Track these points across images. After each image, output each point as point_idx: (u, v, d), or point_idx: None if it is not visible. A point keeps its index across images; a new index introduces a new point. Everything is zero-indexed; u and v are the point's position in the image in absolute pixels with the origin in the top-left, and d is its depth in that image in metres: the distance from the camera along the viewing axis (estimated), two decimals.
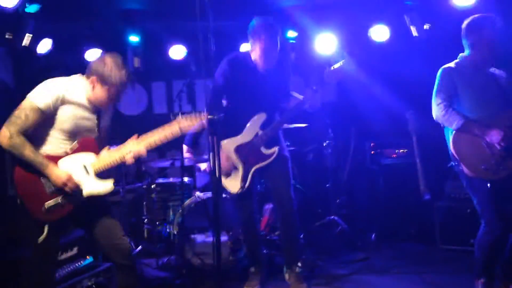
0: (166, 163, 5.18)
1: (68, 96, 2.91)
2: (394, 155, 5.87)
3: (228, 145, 3.95)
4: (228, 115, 3.93)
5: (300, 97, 3.98)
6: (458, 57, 3.63)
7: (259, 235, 4.23)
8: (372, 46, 6.23)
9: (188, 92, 4.73)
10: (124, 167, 5.08)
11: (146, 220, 5.12)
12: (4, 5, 4.23)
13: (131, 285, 3.09)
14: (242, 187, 3.89)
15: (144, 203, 5.20)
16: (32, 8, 4.70)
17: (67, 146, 2.96)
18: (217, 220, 2.82)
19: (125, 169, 5.27)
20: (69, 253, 3.89)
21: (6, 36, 4.76)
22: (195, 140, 5.42)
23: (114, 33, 5.99)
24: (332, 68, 3.81)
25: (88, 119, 3.03)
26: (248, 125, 3.92)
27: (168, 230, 4.92)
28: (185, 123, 3.09)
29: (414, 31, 5.66)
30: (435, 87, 3.57)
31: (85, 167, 2.98)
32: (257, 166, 3.92)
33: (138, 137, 3.10)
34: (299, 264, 4.01)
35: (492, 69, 3.58)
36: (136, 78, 6.82)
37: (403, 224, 5.52)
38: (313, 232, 5.60)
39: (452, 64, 3.59)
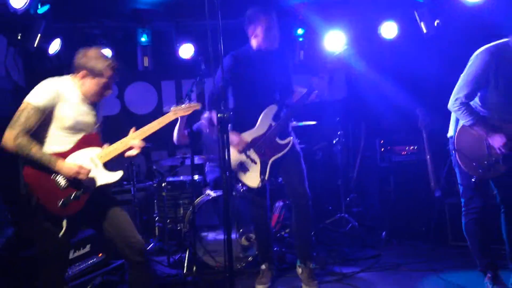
0: (177, 162, 5.21)
1: (64, 92, 2.96)
2: (404, 152, 5.85)
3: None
4: (236, 111, 3.97)
5: (304, 90, 4.02)
6: (510, 37, 3.41)
7: (271, 233, 4.25)
8: (381, 43, 6.22)
9: (198, 90, 4.74)
10: (134, 165, 5.13)
11: (157, 218, 5.16)
12: (15, 6, 4.26)
13: (144, 283, 3.10)
14: (262, 180, 3.90)
15: (155, 201, 5.23)
16: (42, 9, 4.74)
17: (71, 143, 2.99)
18: (227, 218, 2.83)
19: (136, 168, 5.31)
20: (82, 251, 3.93)
21: (18, 37, 4.80)
22: (198, 135, 5.45)
23: (124, 32, 6.03)
24: (334, 55, 3.89)
25: (87, 113, 3.07)
26: (260, 118, 3.96)
27: (179, 227, 4.95)
28: (180, 112, 3.31)
29: (423, 28, 5.64)
30: (467, 72, 3.48)
31: (92, 159, 3.02)
32: (275, 157, 3.94)
33: (136, 129, 3.17)
34: (312, 260, 4.04)
35: None
36: (145, 77, 6.88)
37: (414, 221, 5.50)
38: (323, 230, 5.61)
39: (491, 45, 3.44)
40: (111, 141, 3.18)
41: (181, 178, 5.34)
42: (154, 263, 4.71)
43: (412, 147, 5.84)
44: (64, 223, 2.90)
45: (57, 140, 2.96)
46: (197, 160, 4.99)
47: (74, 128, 2.99)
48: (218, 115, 2.82)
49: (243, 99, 3.99)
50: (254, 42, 4.01)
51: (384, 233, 5.41)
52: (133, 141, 3.11)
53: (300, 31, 6.28)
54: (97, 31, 5.79)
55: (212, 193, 4.64)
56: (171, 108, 3.31)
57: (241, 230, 4.49)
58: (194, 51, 6.10)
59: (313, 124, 5.27)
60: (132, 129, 3.17)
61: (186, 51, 6.09)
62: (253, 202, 4.12)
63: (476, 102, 3.52)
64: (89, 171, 2.94)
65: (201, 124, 5.45)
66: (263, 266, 4.13)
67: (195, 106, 3.39)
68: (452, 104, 3.51)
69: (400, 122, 6.17)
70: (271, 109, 3.97)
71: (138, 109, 6.94)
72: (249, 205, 4.20)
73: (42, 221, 2.91)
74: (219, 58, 2.85)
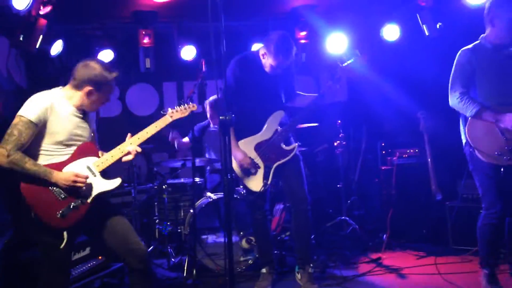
0: (177, 164, 5.20)
1: (56, 106, 2.93)
2: (406, 155, 5.84)
3: (247, 145, 3.98)
4: (239, 114, 3.97)
5: (307, 95, 4.07)
6: (479, 38, 3.65)
7: (270, 236, 4.24)
8: (383, 46, 6.21)
9: (199, 92, 4.74)
10: (135, 167, 5.12)
11: (157, 220, 5.15)
12: (17, 7, 4.26)
13: None
14: (265, 184, 3.91)
15: (156, 203, 5.22)
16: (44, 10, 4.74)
17: (66, 155, 2.97)
18: (228, 221, 2.82)
19: (137, 170, 5.30)
20: (82, 254, 3.92)
21: (19, 39, 4.79)
22: (200, 136, 5.46)
23: (125, 34, 6.03)
24: (343, 65, 3.90)
25: (79, 126, 3.04)
26: (267, 122, 3.98)
27: (179, 230, 4.94)
28: (177, 115, 3.29)
29: (426, 30, 5.63)
30: (452, 72, 3.65)
31: (89, 168, 3.01)
32: (279, 162, 3.95)
33: (132, 135, 3.17)
34: (311, 264, 4.03)
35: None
36: (147, 78, 6.87)
37: (415, 224, 5.49)
38: (324, 233, 5.60)
39: (470, 46, 3.64)
40: (112, 142, 3.18)
41: (182, 180, 5.34)
42: (154, 266, 4.71)
43: (413, 150, 5.83)
44: (65, 234, 2.88)
45: (51, 153, 2.93)
46: (198, 162, 4.98)
47: (67, 142, 2.97)
48: (221, 117, 2.81)
49: (248, 104, 3.98)
50: (261, 59, 3.97)
51: (385, 236, 5.39)
52: (129, 147, 3.10)
53: (302, 34, 6.27)
54: (99, 32, 5.78)
55: (212, 196, 4.63)
56: (168, 111, 3.30)
57: (241, 233, 4.48)
58: (196, 52, 6.10)
59: (314, 126, 5.26)
60: (129, 135, 3.16)
61: (188, 52, 6.09)
62: (253, 205, 4.11)
63: None
64: (86, 178, 2.93)
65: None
66: (264, 270, 4.13)
67: (192, 107, 3.37)
68: (453, 99, 3.61)
69: (401, 125, 6.16)
70: (278, 115, 3.99)
71: (139, 111, 6.93)
72: (249, 208, 4.20)
73: (41, 234, 2.90)
74: (221, 60, 2.84)
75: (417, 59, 5.87)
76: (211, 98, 5.51)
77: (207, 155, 5.54)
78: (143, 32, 5.82)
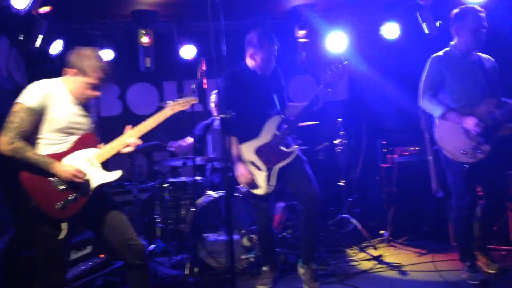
0: (178, 162, 5.21)
1: (56, 94, 2.94)
2: (406, 153, 5.85)
3: (248, 149, 4.00)
4: (238, 121, 3.98)
5: (297, 104, 4.15)
6: (449, 45, 3.96)
7: (273, 235, 4.25)
8: (383, 44, 6.21)
9: (199, 91, 4.74)
10: (136, 166, 5.13)
11: (159, 219, 5.15)
12: (17, 7, 4.27)
13: (143, 285, 3.10)
14: (270, 186, 3.92)
15: (157, 202, 5.23)
16: (44, 10, 4.74)
17: (66, 144, 2.98)
18: (229, 219, 2.83)
19: (138, 169, 5.31)
20: (83, 252, 3.93)
21: (20, 38, 4.80)
22: (204, 135, 5.45)
23: (125, 33, 6.04)
24: (334, 68, 3.91)
25: (79, 115, 3.05)
26: (264, 127, 4.00)
27: (180, 228, 4.95)
28: (177, 108, 3.27)
29: (425, 29, 5.64)
30: (423, 77, 3.97)
31: (89, 160, 3.02)
32: (280, 164, 3.95)
33: (132, 127, 3.18)
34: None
35: (478, 54, 3.93)
36: (147, 78, 6.88)
37: (416, 222, 5.49)
38: (325, 230, 5.60)
39: (441, 53, 3.97)
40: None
41: (183, 179, 5.34)
42: (155, 264, 4.72)
43: (414, 148, 5.83)
44: (64, 225, 2.90)
45: (51, 143, 2.94)
46: (199, 161, 4.99)
47: (67, 130, 2.98)
48: (221, 115, 2.83)
49: (244, 111, 3.97)
50: (249, 62, 4.08)
51: (386, 233, 5.40)
52: (129, 139, 3.10)
53: (302, 32, 6.27)
54: (98, 32, 5.79)
55: (213, 194, 4.63)
56: (168, 103, 3.27)
57: (242, 231, 4.48)
58: (196, 52, 6.11)
59: (315, 125, 5.26)
60: (128, 127, 3.17)
61: (188, 52, 6.10)
62: (257, 207, 4.11)
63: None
64: (85, 174, 2.93)
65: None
66: (265, 268, 4.13)
67: (193, 100, 3.34)
68: (423, 101, 3.92)
69: (402, 123, 6.17)
70: (275, 120, 4.02)
71: (140, 110, 6.95)
72: (253, 210, 4.20)
73: (41, 224, 2.91)
74: (221, 59, 2.85)
75: (417, 57, 5.83)
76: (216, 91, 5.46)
77: (212, 153, 5.52)
78: (143, 31, 5.83)
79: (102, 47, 5.67)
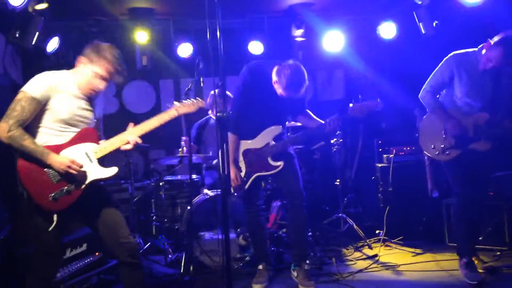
0: (175, 161, 5.20)
1: (62, 85, 2.96)
2: (402, 153, 5.85)
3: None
4: (239, 117, 3.97)
5: (315, 118, 4.07)
6: (477, 47, 3.80)
7: (266, 233, 4.25)
8: (380, 43, 6.22)
9: (196, 90, 4.74)
10: (132, 164, 5.12)
11: (154, 217, 5.15)
12: (13, 3, 4.25)
13: (136, 282, 3.11)
14: (242, 188, 3.93)
15: (153, 200, 5.22)
16: (40, 7, 4.73)
17: (66, 136, 2.98)
18: (225, 218, 2.83)
19: (134, 167, 5.30)
20: (78, 250, 3.91)
21: (16, 35, 4.78)
22: (199, 135, 5.44)
23: (122, 31, 6.02)
24: (359, 104, 3.80)
25: (83, 108, 3.06)
26: (262, 133, 3.98)
27: (176, 227, 4.94)
28: (183, 109, 3.25)
29: (422, 28, 5.64)
30: (434, 71, 4.01)
31: (87, 154, 3.02)
32: (259, 174, 3.98)
33: (134, 125, 3.16)
34: (307, 261, 4.04)
35: (503, 69, 3.72)
36: (144, 76, 6.86)
37: (411, 221, 5.50)
38: (321, 230, 5.60)
39: (461, 52, 3.87)
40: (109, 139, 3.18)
41: (179, 177, 5.34)
42: (151, 262, 4.71)
43: (410, 148, 5.83)
44: (55, 217, 2.90)
45: (51, 133, 2.95)
46: (195, 159, 4.98)
47: (68, 122, 2.98)
48: (218, 114, 2.82)
49: (251, 109, 3.97)
50: (273, 78, 3.88)
51: (381, 233, 5.41)
52: (130, 137, 3.10)
53: (299, 31, 6.27)
54: (95, 29, 5.77)
55: (210, 193, 4.63)
56: (174, 104, 3.25)
57: (238, 230, 4.48)
58: (193, 50, 6.10)
59: (306, 131, 5.26)
60: (131, 125, 3.16)
61: (185, 50, 6.09)
62: (245, 201, 4.12)
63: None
64: (81, 165, 2.93)
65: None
66: (260, 266, 4.13)
67: (200, 103, 3.30)
68: (421, 93, 4.06)
69: (398, 123, 6.18)
70: (275, 129, 3.98)
71: (136, 108, 6.93)
72: (244, 212, 4.21)
73: (34, 215, 2.91)
74: (218, 57, 2.84)
75: (413, 57, 5.88)
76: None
77: (210, 152, 5.50)
78: (140, 29, 5.82)
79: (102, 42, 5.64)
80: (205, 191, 4.72)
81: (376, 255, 4.80)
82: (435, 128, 3.98)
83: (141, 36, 5.89)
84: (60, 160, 2.87)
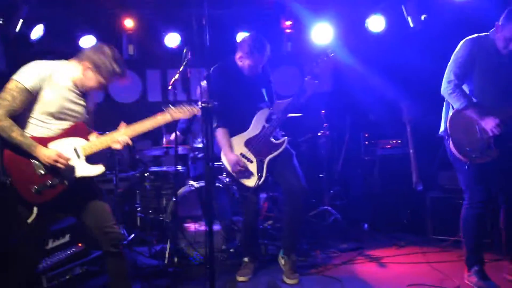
0: (160, 152, 5.17)
1: (54, 77, 2.90)
2: (389, 146, 5.87)
3: (238, 141, 4.00)
4: (226, 117, 3.97)
5: (282, 101, 4.12)
6: (489, 31, 3.55)
7: (258, 228, 4.26)
8: (368, 36, 6.22)
9: (183, 80, 4.70)
10: (117, 154, 5.07)
11: (139, 208, 5.11)
12: None
13: (120, 272, 3.10)
14: (260, 177, 3.90)
15: (138, 191, 5.18)
16: None
17: (55, 129, 2.94)
18: (209, 209, 2.82)
19: (119, 157, 5.25)
20: (61, 240, 3.88)
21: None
22: (188, 127, 5.40)
23: (108, 19, 5.94)
24: (321, 60, 3.92)
25: (74, 102, 3.01)
26: (253, 120, 4.01)
27: (161, 218, 4.91)
28: (177, 114, 3.18)
29: (410, 22, 5.65)
30: (451, 60, 3.59)
31: (75, 150, 2.97)
32: (271, 156, 3.96)
33: (127, 125, 3.11)
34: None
35: None
36: (130, 65, 6.78)
37: (396, 214, 5.54)
38: (306, 222, 5.61)
39: (475, 36, 3.56)
40: (95, 129, 3.14)
41: (165, 168, 5.30)
42: (135, 253, 4.68)
43: (396, 141, 5.86)
44: (35, 209, 2.86)
45: (40, 124, 2.91)
46: (181, 150, 4.95)
47: (58, 115, 2.93)
48: (203, 104, 2.80)
49: (233, 107, 3.97)
50: (239, 62, 4.06)
51: (366, 225, 5.43)
52: (122, 137, 3.05)
53: (287, 23, 6.25)
54: (81, 17, 5.69)
55: (195, 184, 4.61)
56: (168, 109, 3.17)
57: (223, 222, 4.47)
58: (181, 40, 6.05)
59: (298, 116, 5.26)
60: (123, 124, 3.11)
61: (172, 40, 6.03)
62: (246, 199, 4.09)
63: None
64: (68, 160, 2.89)
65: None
66: (246, 259, 4.14)
67: (195, 111, 3.21)
68: (445, 88, 3.58)
69: (385, 116, 6.19)
70: (263, 113, 4.03)
71: (122, 98, 6.86)
72: (242, 202, 4.18)
73: (16, 204, 2.87)
74: (204, 48, 2.82)
75: (401, 50, 5.89)
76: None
77: (198, 142, 5.45)
78: (126, 18, 5.75)
79: (84, 33, 5.58)
80: (191, 182, 4.69)
81: (360, 247, 4.82)
82: (467, 128, 3.50)
83: (128, 25, 5.82)
84: (47, 153, 2.83)
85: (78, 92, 3.02)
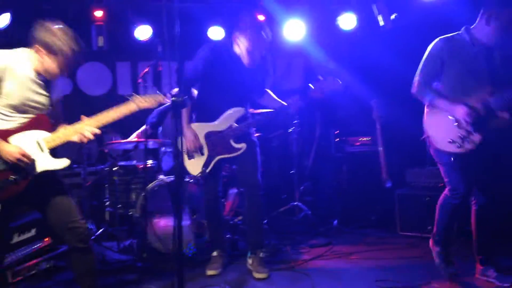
0: (130, 146, 5.10)
1: (14, 66, 2.79)
2: (358, 143, 5.94)
3: (199, 129, 3.96)
4: (200, 100, 3.93)
5: (276, 99, 4.11)
6: (461, 29, 3.59)
7: (222, 219, 4.24)
8: (339, 34, 6.27)
9: (153, 73, 4.64)
10: (85, 148, 4.98)
11: (108, 203, 5.04)
12: None
13: (87, 268, 3.03)
14: (203, 172, 3.91)
15: (106, 185, 5.10)
16: None
17: (16, 122, 2.85)
18: (177, 203, 2.79)
19: (87, 151, 5.16)
20: (27, 235, 3.80)
21: None
22: (159, 122, 5.34)
23: (78, 9, 5.81)
24: (319, 84, 3.88)
25: (36, 92, 2.90)
26: (224, 115, 3.95)
27: (130, 213, 4.85)
28: (142, 104, 3.08)
29: (381, 21, 5.72)
30: (422, 60, 3.65)
31: (38, 143, 2.89)
32: (222, 156, 3.95)
33: (88, 116, 3.03)
34: (263, 249, 4.05)
35: (496, 44, 3.51)
36: (100, 57, 6.67)
37: (365, 211, 5.61)
38: (276, 218, 5.63)
39: (446, 36, 3.61)
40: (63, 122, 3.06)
41: (134, 162, 5.23)
42: (103, 248, 4.62)
43: (366, 138, 5.93)
44: None
45: (2, 117, 2.81)
46: (151, 144, 4.89)
47: (21, 107, 2.83)
48: (172, 98, 2.76)
49: (213, 91, 3.93)
50: (236, 49, 3.95)
51: (335, 221, 5.48)
52: (87, 128, 2.95)
53: (259, 18, 6.24)
54: (48, 6, 5.55)
55: (165, 179, 4.57)
56: (133, 98, 3.08)
57: (194, 216, 4.44)
58: (152, 33, 5.97)
59: (270, 112, 5.26)
60: (83, 117, 3.00)
61: (143, 32, 5.95)
62: (204, 186, 4.10)
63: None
64: (32, 159, 2.81)
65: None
66: (215, 253, 4.12)
67: (160, 98, 3.14)
68: (414, 86, 3.65)
69: (355, 113, 6.25)
70: (237, 111, 3.96)
71: (91, 90, 6.74)
72: (200, 190, 4.18)
73: None
74: (175, 42, 2.78)
75: (372, 48, 5.95)
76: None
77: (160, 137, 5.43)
78: (96, 9, 5.64)
79: (52, 23, 5.43)
80: (161, 177, 4.65)
81: (330, 243, 4.86)
82: (442, 122, 3.54)
83: (98, 16, 5.71)
84: (10, 150, 2.74)
85: (40, 82, 2.90)
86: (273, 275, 3.94)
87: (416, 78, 3.64)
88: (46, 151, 2.91)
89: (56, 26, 2.87)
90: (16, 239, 3.67)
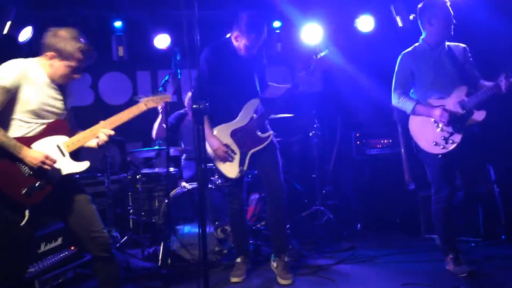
0: (152, 153, 5.14)
1: (31, 74, 2.86)
2: (379, 145, 5.90)
3: (222, 131, 3.98)
4: (214, 102, 3.94)
5: (280, 86, 4.15)
6: (419, 40, 3.97)
7: (246, 225, 4.24)
8: (357, 37, 6.24)
9: (174, 82, 4.68)
10: (109, 157, 5.04)
11: (131, 210, 5.09)
12: None
13: (111, 277, 3.06)
14: (241, 171, 3.92)
15: (129, 193, 5.16)
16: None
17: (36, 128, 2.90)
18: (202, 210, 2.80)
19: (110, 160, 5.22)
20: (53, 244, 3.85)
21: None
22: (177, 125, 5.37)
23: (98, 21, 5.90)
24: (317, 56, 3.91)
25: (54, 97, 2.97)
26: (242, 110, 3.97)
27: (153, 220, 4.89)
28: (150, 103, 3.23)
29: (399, 22, 5.68)
30: (394, 74, 4.03)
31: (59, 147, 2.95)
32: (255, 149, 3.95)
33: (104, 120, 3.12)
34: (287, 253, 4.05)
35: (447, 45, 3.91)
36: (120, 67, 6.75)
37: (388, 213, 5.56)
38: (299, 222, 5.62)
39: (410, 49, 3.99)
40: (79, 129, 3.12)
41: (156, 170, 5.28)
42: (128, 256, 4.66)
43: (387, 140, 5.89)
44: (27, 212, 2.82)
45: (21, 124, 2.86)
46: (172, 152, 4.93)
47: (39, 112, 2.89)
48: (194, 106, 2.78)
49: (223, 91, 3.96)
50: (234, 42, 3.98)
51: (359, 225, 5.45)
52: (102, 130, 3.03)
53: (277, 24, 6.26)
54: (70, 19, 5.64)
55: (187, 186, 4.59)
56: (141, 99, 3.23)
57: (216, 223, 4.46)
58: (170, 41, 6.02)
59: (290, 117, 5.26)
60: (101, 122, 3.09)
61: (162, 41, 6.01)
62: (229, 193, 4.11)
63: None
64: (55, 161, 2.87)
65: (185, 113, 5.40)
66: (239, 259, 4.13)
67: (166, 97, 3.32)
68: (394, 99, 4.00)
69: (375, 116, 6.21)
70: (253, 103, 3.98)
71: (112, 100, 6.82)
72: (225, 196, 4.19)
73: (3, 208, 2.82)
74: (195, 50, 2.80)
75: (391, 50, 5.88)
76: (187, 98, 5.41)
77: (182, 145, 5.47)
78: (116, 20, 5.72)
79: (73, 28, 5.53)
80: (183, 184, 4.68)
81: (353, 247, 4.83)
82: (425, 126, 3.84)
83: (118, 26, 5.79)
84: (33, 155, 2.79)
85: (55, 87, 2.98)
86: (297, 280, 3.93)
87: (394, 91, 3.97)
88: (67, 155, 2.96)
89: (63, 30, 2.93)
90: (43, 248, 3.72)
